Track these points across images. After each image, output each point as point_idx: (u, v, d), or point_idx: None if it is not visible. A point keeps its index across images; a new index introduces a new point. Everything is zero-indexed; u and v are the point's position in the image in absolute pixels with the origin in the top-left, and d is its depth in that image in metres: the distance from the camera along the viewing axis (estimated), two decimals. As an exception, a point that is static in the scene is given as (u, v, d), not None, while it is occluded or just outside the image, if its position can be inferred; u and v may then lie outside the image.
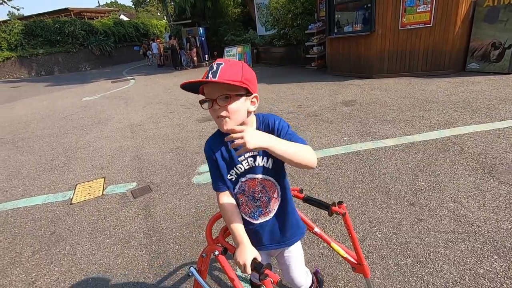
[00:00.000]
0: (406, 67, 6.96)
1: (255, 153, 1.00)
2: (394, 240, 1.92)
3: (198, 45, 15.08)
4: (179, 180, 3.12)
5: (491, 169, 2.61)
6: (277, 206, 1.07)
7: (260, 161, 1.01)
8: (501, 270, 1.62)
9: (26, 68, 18.31)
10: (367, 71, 7.28)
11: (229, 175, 1.02)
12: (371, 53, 7.12)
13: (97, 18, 24.79)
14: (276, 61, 11.87)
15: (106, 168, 3.65)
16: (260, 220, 1.07)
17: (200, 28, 14.89)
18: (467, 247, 1.80)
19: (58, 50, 19.14)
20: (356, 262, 1.28)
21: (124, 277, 1.89)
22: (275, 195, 1.06)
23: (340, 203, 1.14)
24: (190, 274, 1.30)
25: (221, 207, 1.03)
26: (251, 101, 0.95)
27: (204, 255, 1.13)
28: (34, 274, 2.00)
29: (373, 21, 6.83)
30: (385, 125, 3.96)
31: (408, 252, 1.81)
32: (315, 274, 1.45)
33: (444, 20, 6.40)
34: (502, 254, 1.72)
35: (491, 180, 2.45)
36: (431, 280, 1.61)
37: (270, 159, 1.01)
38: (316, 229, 1.30)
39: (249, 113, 0.95)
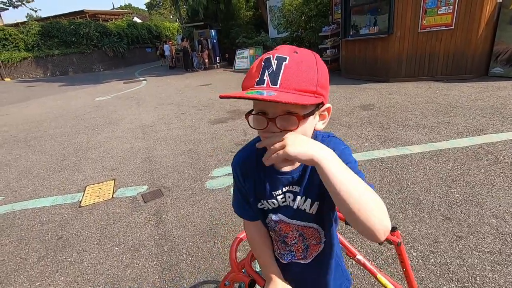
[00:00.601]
0: (425, 71, 6.70)
1: (295, 189, 0.72)
2: (433, 261, 1.72)
3: (210, 47, 15.08)
4: (192, 185, 2.97)
5: (533, 181, 2.38)
6: (317, 253, 0.82)
7: (301, 203, 0.73)
8: None
9: (41, 68, 18.67)
10: (383, 74, 7.04)
11: (260, 203, 0.78)
12: (388, 56, 6.88)
13: (111, 20, 25.20)
14: (288, 64, 11.71)
15: (117, 169, 3.54)
16: (290, 262, 0.83)
17: (212, 31, 14.90)
18: (519, 271, 1.59)
19: (73, 51, 19.48)
20: None
21: (133, 291, 1.74)
22: (315, 242, 0.80)
23: (394, 229, 0.90)
24: None
25: (249, 237, 0.86)
26: (321, 114, 0.66)
27: (227, 283, 0.96)
28: (38, 283, 1.88)
29: (392, 23, 6.61)
30: (408, 130, 3.73)
31: (451, 275, 1.61)
32: None
33: (467, 22, 6.13)
34: (561, 281, 1.50)
35: (535, 194, 2.21)
36: (481, 309, 1.40)
37: (316, 203, 0.72)
38: (359, 257, 1.06)
39: (314, 131, 0.67)
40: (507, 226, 1.92)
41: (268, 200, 0.75)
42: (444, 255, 1.75)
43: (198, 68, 14.95)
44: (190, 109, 6.31)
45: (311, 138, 0.68)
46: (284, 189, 0.73)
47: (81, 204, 2.80)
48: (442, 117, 4.10)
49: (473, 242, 1.82)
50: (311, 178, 0.72)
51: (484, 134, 3.38)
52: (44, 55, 18.42)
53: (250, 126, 0.63)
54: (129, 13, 34.02)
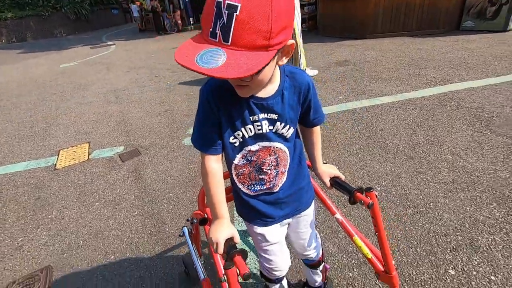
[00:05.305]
0: (400, 27, 6.70)
1: (275, 117, 0.78)
2: (394, 192, 1.89)
3: (182, 7, 14.10)
4: (169, 143, 2.98)
5: (488, 122, 2.57)
6: (284, 182, 0.89)
7: (281, 128, 0.81)
8: (500, 216, 1.61)
9: (-6, 34, 16.87)
10: (360, 31, 6.98)
11: (232, 137, 0.80)
12: (365, 11, 6.77)
13: (69, -22, 22.63)
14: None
15: (90, 133, 3.45)
16: (259, 193, 0.89)
17: (183, -12, 13.83)
18: (467, 196, 1.79)
19: (28, 13, 17.54)
20: (382, 269, 1.00)
21: (116, 238, 1.82)
22: (283, 169, 0.87)
23: (368, 189, 0.88)
24: (181, 234, 1.23)
25: (207, 173, 0.81)
26: (284, 50, 0.64)
27: (189, 219, 1.06)
28: (20, 239, 1.90)
29: (369, -24, 6.41)
30: (381, 83, 3.84)
31: (408, 203, 1.79)
32: (325, 270, 1.24)
33: (442, -26, 6.07)
34: (501, 201, 1.72)
35: (489, 133, 2.42)
36: (431, 228, 1.60)
37: (291, 128, 0.82)
38: (338, 215, 1.10)
39: (277, 66, 0.71)
40: (461, 160, 2.12)
41: (246, 127, 0.78)
42: (404, 187, 1.92)
43: (171, 30, 14.08)
44: (164, 72, 6.06)
45: (276, 73, 0.74)
46: (261, 116, 0.77)
47: (56, 167, 2.76)
48: (413, 70, 4.22)
49: (431, 175, 2.01)
50: (287, 105, 0.79)
51: (450, 83, 3.54)
52: (-5, 19, 16.55)
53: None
54: (88, -31, 30.50)
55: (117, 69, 6.99)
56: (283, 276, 1.09)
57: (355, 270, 1.41)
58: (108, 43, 12.62)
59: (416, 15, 6.56)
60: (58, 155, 2.99)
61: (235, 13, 0.52)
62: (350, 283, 1.35)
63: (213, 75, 0.53)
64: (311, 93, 0.83)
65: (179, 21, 13.86)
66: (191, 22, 14.49)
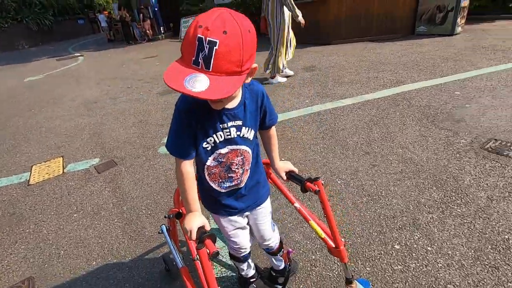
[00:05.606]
0: (362, 32, 7.20)
1: (240, 123, 0.95)
2: (352, 184, 2.13)
3: (152, 17, 14.06)
4: (145, 152, 3.06)
5: (434, 118, 2.92)
6: (247, 178, 1.06)
7: (246, 133, 0.97)
8: (438, 198, 1.89)
9: None
10: (325, 37, 7.40)
11: (205, 143, 0.93)
12: (328, 18, 7.20)
13: (29, -13, 21.71)
14: (236, 31, 11.50)
15: (63, 147, 3.44)
16: (228, 190, 1.05)
17: (152, -3, 13.81)
18: (412, 183, 2.06)
19: (-15, 25, 16.67)
20: (333, 245, 1.18)
21: (98, 245, 1.90)
22: (247, 167, 1.04)
23: (316, 179, 1.07)
24: (160, 231, 1.37)
25: (183, 175, 0.94)
26: (251, 72, 0.83)
27: (166, 215, 1.21)
28: (-2, 254, 1.93)
29: (330, -14, 6.85)
30: (344, 86, 4.16)
31: (364, 192, 2.03)
32: (288, 254, 1.38)
33: (395, -15, 6.64)
34: (439, 185, 2.00)
35: (433, 128, 2.75)
36: (382, 212, 1.84)
37: (252, 131, 0.99)
38: (297, 204, 1.27)
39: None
40: (409, 152, 2.41)
41: (217, 133, 0.92)
42: (361, 179, 2.17)
43: (141, 40, 13.96)
44: (136, 83, 6.08)
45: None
46: (229, 124, 0.93)
47: (29, 183, 2.75)
48: (372, 73, 4.60)
49: (383, 167, 2.27)
50: (248, 112, 0.97)
51: (403, 84, 3.92)
52: None
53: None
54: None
55: (87, 81, 6.89)
56: (248, 253, 1.28)
57: (317, 253, 1.61)
58: (76, 54, 12.29)
59: (375, 22, 7.10)
60: (31, 171, 2.97)
61: (215, 47, 0.68)
62: (313, 264, 1.55)
63: (202, 97, 0.69)
64: (265, 99, 1.01)
65: (149, 31, 13.78)
66: (162, 31, 14.47)
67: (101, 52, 12.13)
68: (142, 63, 8.36)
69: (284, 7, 4.22)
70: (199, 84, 0.69)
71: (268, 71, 4.74)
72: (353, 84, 4.19)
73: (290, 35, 4.55)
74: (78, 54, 12.11)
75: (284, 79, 4.82)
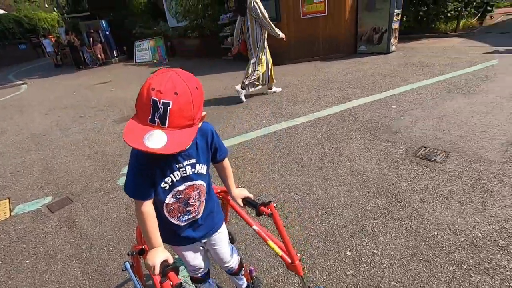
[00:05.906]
0: (312, 53, 7.78)
1: (194, 161, 1.04)
2: (308, 199, 2.31)
3: (103, 40, 13.68)
4: (103, 185, 2.97)
5: (375, 131, 3.28)
6: (203, 208, 1.15)
7: (200, 169, 1.06)
8: (381, 204, 2.14)
9: None
10: (280, 58, 7.84)
11: (163, 183, 1.00)
12: (281, 41, 7.67)
13: (-41, 11, 19.89)
14: (193, 53, 11.68)
15: (9, 187, 3.19)
16: (187, 222, 1.13)
17: (103, 21, 13.51)
18: (360, 192, 2.30)
19: None
20: (290, 261, 1.27)
21: (55, 291, 1.80)
22: (203, 199, 1.13)
23: (268, 203, 1.17)
24: (123, 269, 1.38)
25: (143, 215, 0.98)
26: (201, 120, 0.93)
27: (129, 252, 1.27)
28: None
29: (278, 12, 7.37)
30: (297, 105, 4.46)
31: (319, 206, 2.22)
32: (250, 273, 1.49)
33: (336, 10, 7.36)
34: (382, 192, 2.26)
35: (375, 140, 3.09)
36: (335, 222, 2.02)
37: (205, 166, 1.08)
38: (255, 227, 1.33)
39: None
40: (356, 165, 2.68)
41: (174, 173, 1.00)
42: (315, 194, 2.36)
43: (93, 64, 13.44)
44: (89, 111, 5.85)
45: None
46: (184, 163, 1.01)
47: (-30, 231, 2.51)
48: (322, 91, 5.00)
49: (335, 180, 2.50)
50: (200, 150, 1.07)
51: (349, 101, 4.33)
52: None
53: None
54: (-16, 1, 27.24)
55: (33, 111, 6.45)
56: (207, 274, 1.38)
57: (279, 269, 1.72)
58: (18, 82, 11.42)
59: (322, 44, 7.74)
60: (-30, 218, 2.71)
61: (168, 107, 0.78)
62: (276, 279, 1.66)
63: (162, 153, 0.78)
64: (214, 137, 1.12)
65: (101, 55, 13.36)
66: (115, 55, 14.11)
67: (48, 78, 11.41)
68: (95, 89, 8.06)
69: (262, 27, 4.67)
70: (158, 139, 0.79)
71: (264, 85, 5.21)
72: (305, 103, 4.51)
73: (267, 56, 5.06)
74: (21, 82, 11.25)
75: (279, 89, 5.37)
